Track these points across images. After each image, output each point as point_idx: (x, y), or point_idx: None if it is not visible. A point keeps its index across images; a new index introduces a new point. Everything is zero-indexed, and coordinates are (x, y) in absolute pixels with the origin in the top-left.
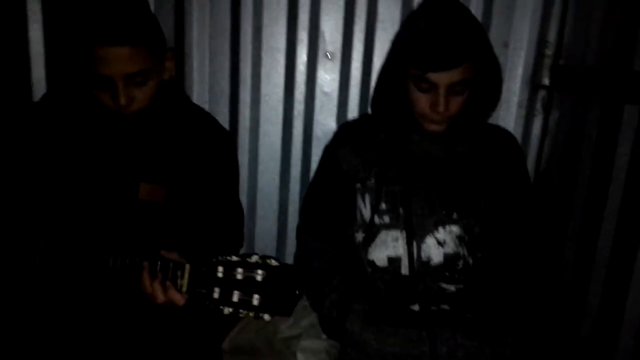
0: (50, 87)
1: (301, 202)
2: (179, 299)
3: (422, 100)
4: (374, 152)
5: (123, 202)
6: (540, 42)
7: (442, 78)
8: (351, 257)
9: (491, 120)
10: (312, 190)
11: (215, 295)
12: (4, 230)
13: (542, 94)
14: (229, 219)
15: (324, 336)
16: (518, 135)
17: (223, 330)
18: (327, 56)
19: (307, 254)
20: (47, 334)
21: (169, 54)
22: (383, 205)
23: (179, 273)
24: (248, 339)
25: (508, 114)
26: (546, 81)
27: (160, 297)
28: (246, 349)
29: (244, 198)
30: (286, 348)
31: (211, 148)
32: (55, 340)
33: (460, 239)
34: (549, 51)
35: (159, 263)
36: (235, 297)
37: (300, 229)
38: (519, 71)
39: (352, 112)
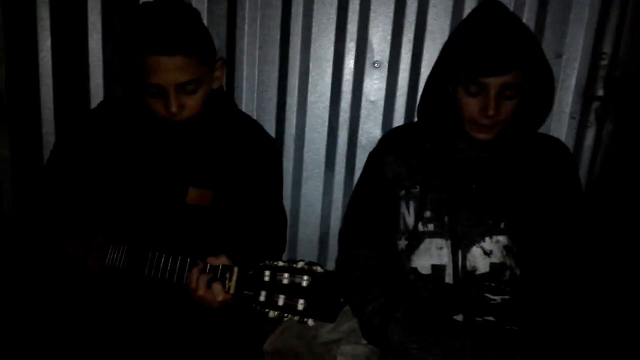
0: (107, 95)
1: (344, 209)
2: (223, 297)
3: (472, 105)
4: (420, 160)
5: (172, 207)
6: (595, 53)
7: (493, 80)
8: (393, 265)
9: (542, 131)
10: (356, 196)
11: (262, 298)
12: (60, 229)
13: (595, 105)
14: (272, 223)
15: (364, 341)
16: (570, 147)
17: (265, 332)
18: (374, 65)
19: (350, 260)
20: (93, 333)
21: (219, 64)
22: (428, 213)
23: (227, 275)
24: (288, 342)
25: (560, 125)
26: (600, 92)
27: (205, 295)
28: (286, 351)
29: (288, 203)
30: (326, 352)
31: (257, 154)
32: (101, 338)
33: (507, 249)
34: (604, 62)
35: (209, 265)
36: (281, 301)
37: (343, 235)
38: (572, 82)
39: (398, 121)
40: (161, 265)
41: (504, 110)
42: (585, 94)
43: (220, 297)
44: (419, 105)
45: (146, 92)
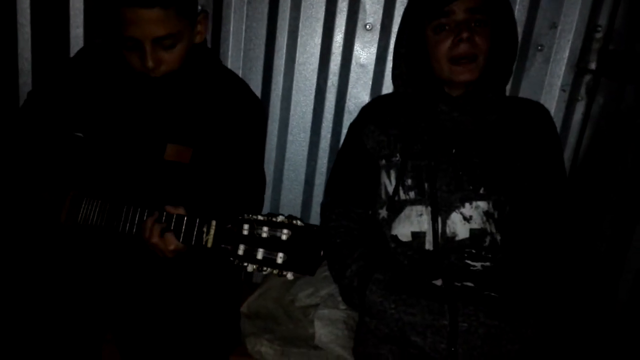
0: (87, 44)
1: (328, 174)
2: (175, 245)
3: (443, 40)
4: (400, 128)
5: (149, 162)
6: (590, 25)
7: (457, 5)
8: (374, 234)
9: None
10: (337, 168)
11: (240, 252)
12: (34, 181)
13: (587, 78)
14: (251, 184)
15: (342, 307)
16: (559, 120)
17: (242, 295)
18: (366, 27)
19: (331, 231)
20: (67, 286)
21: (200, 17)
22: (408, 181)
23: (204, 229)
24: (266, 305)
25: (550, 98)
26: (593, 66)
27: (157, 243)
28: (264, 314)
29: (271, 167)
30: (304, 316)
31: (240, 113)
32: (74, 292)
33: (488, 215)
34: (599, 35)
35: (185, 218)
36: (260, 255)
37: (324, 206)
38: (565, 54)
39: (388, 86)
40: (136, 219)
41: (478, 39)
42: (578, 67)
43: (172, 246)
44: (392, 66)
45: (123, 45)
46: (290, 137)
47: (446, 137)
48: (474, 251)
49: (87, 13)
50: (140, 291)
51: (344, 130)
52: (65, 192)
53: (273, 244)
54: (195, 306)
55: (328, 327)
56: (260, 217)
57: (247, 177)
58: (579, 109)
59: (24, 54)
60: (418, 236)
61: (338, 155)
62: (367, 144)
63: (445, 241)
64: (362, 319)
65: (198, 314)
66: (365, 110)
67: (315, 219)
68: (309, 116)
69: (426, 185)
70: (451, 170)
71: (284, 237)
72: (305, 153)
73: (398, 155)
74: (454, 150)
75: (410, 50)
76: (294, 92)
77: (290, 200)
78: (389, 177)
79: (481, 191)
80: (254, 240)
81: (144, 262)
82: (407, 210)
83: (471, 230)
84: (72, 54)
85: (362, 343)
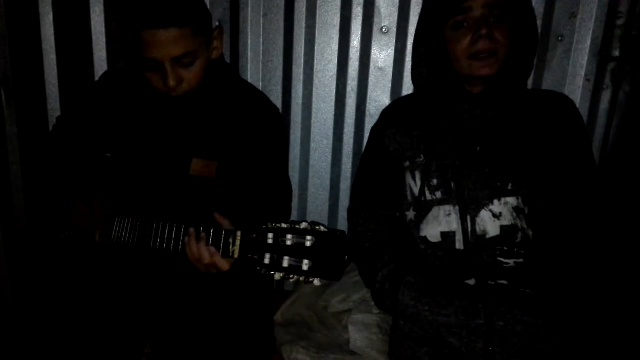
0: (111, 67)
1: (353, 179)
2: (224, 264)
3: (462, 36)
4: (422, 129)
5: (175, 178)
6: (611, 12)
7: (475, 2)
8: (403, 237)
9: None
10: (361, 172)
11: (266, 261)
12: (64, 202)
13: (611, 66)
14: (278, 194)
15: (375, 311)
16: (585, 110)
17: (275, 304)
18: (382, 31)
19: (359, 235)
20: (105, 303)
21: (216, 33)
22: (434, 181)
23: (230, 240)
24: (299, 313)
25: (574, 88)
26: (616, 53)
27: (206, 259)
28: (298, 321)
29: (296, 175)
30: (337, 322)
31: (261, 124)
32: (112, 309)
33: (518, 210)
34: (621, 21)
35: (212, 230)
36: (286, 263)
37: (351, 211)
38: (587, 43)
39: (407, 88)
40: (166, 235)
41: (497, 35)
42: (601, 55)
43: (220, 263)
44: (412, 67)
45: (143, 66)
46: (313, 145)
47: (470, 135)
48: (505, 248)
49: (108, 36)
50: (175, 304)
51: (367, 135)
52: (97, 211)
53: (298, 251)
54: (229, 317)
55: (362, 332)
56: (284, 225)
57: (272, 187)
58: (605, 97)
59: (50, 79)
60: (448, 236)
61: (362, 160)
62: (390, 147)
63: (475, 240)
64: (396, 322)
65: (233, 324)
66: (386, 112)
67: (342, 224)
68: (330, 122)
69: (452, 184)
70: (477, 168)
71: (308, 244)
72: (329, 159)
73: (422, 156)
74: (478, 148)
75: (430, 49)
76: (314, 99)
77: (317, 206)
78: (414, 178)
79: (509, 187)
80: (279, 249)
81: (177, 277)
82: (435, 211)
83: (502, 227)
84: (96, 77)
85: (398, 346)
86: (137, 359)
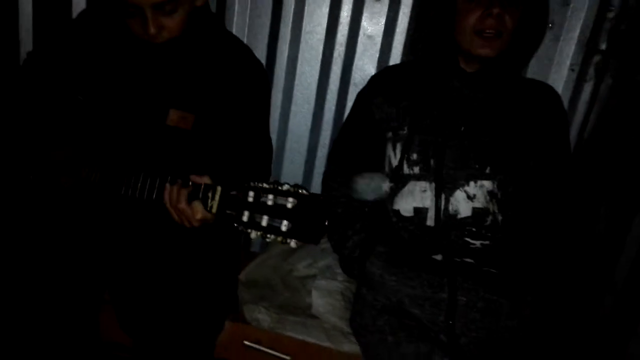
0: (89, 6)
1: (330, 147)
2: (203, 214)
3: (475, 9)
4: (410, 100)
5: (151, 127)
6: (603, 4)
7: None
8: (375, 207)
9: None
10: (342, 137)
11: (245, 218)
12: (33, 142)
13: (596, 59)
14: (257, 153)
15: (339, 278)
16: (566, 99)
17: (240, 263)
18: None
19: (332, 200)
20: (68, 247)
21: None
22: (414, 156)
23: (209, 194)
24: (263, 274)
25: (558, 77)
26: (603, 46)
27: (185, 210)
28: (262, 283)
29: (274, 137)
30: (302, 286)
31: (244, 78)
32: (74, 252)
33: (491, 194)
34: (611, 14)
35: (191, 183)
36: (264, 222)
37: (326, 175)
38: (576, 33)
39: (395, 59)
40: (139, 184)
41: (507, 18)
42: (588, 46)
43: (199, 215)
44: (413, 34)
45: (124, 12)
46: (294, 108)
47: (456, 114)
48: (474, 229)
49: None
50: (139, 254)
51: (349, 103)
52: (66, 155)
53: (278, 212)
54: (193, 271)
55: (325, 297)
56: (265, 185)
57: (251, 146)
58: (587, 89)
59: (25, 10)
60: (420, 212)
61: (344, 124)
62: (376, 115)
63: (447, 218)
64: (360, 290)
65: (196, 278)
66: (375, 79)
67: (316, 191)
68: (313, 87)
69: (432, 161)
70: (458, 148)
71: (289, 205)
72: (309, 125)
73: (406, 128)
74: (462, 128)
75: (438, 14)
76: (299, 62)
77: (292, 171)
78: (394, 150)
79: (487, 170)
80: (258, 208)
81: (144, 226)
82: (411, 185)
83: (474, 209)
84: (74, 13)
85: (359, 314)
86: (96, 305)
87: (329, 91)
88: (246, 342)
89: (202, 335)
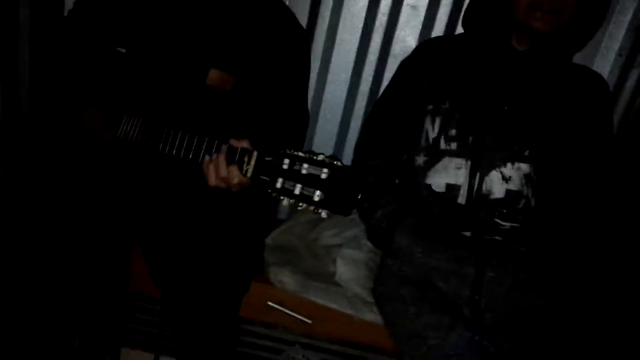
0: None
1: (365, 117)
2: (239, 179)
3: None
4: (455, 74)
5: (191, 86)
6: None
7: None
8: (407, 180)
9: (585, 64)
10: (380, 106)
11: (278, 185)
12: (74, 93)
13: None
14: (294, 120)
15: (365, 249)
16: (610, 85)
17: (268, 228)
18: None
19: (364, 169)
20: (102, 198)
21: None
22: (453, 131)
23: (245, 158)
24: (290, 240)
25: (605, 61)
26: None
27: (223, 175)
28: (288, 248)
29: (308, 105)
30: (326, 254)
31: (287, 43)
32: (108, 204)
33: (527, 178)
34: None
35: (228, 145)
36: (297, 190)
37: (360, 144)
38: (628, 17)
39: (437, 32)
40: (177, 142)
41: None
42: (638, 32)
43: (235, 179)
44: (469, 5)
45: None
46: (330, 77)
47: (501, 92)
48: (505, 211)
49: None
50: (173, 209)
51: (387, 75)
52: (105, 107)
53: (311, 181)
54: (224, 231)
55: (349, 266)
56: (301, 154)
57: (289, 112)
58: (634, 75)
59: None
60: (452, 189)
61: (383, 93)
62: (418, 85)
63: (479, 198)
64: (385, 260)
65: (226, 238)
66: (421, 49)
67: (346, 163)
68: (352, 56)
69: (471, 138)
70: (499, 127)
71: (323, 176)
72: (344, 94)
73: (447, 102)
74: (506, 107)
75: None
76: (339, 29)
77: (324, 140)
78: (433, 123)
79: (526, 153)
80: (293, 175)
81: (179, 183)
82: (446, 161)
83: (507, 191)
84: None
85: (382, 283)
86: (127, 256)
87: (367, 61)
88: (270, 303)
89: (229, 292)
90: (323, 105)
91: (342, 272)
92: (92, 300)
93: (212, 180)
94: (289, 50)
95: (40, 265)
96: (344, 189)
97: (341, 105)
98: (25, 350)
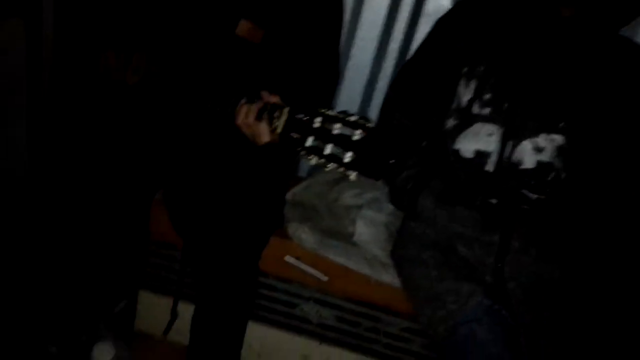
0: None
1: (392, 78)
2: (269, 135)
3: None
4: (494, 36)
5: (220, 35)
6: None
7: None
8: (435, 143)
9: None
10: (412, 63)
11: (308, 143)
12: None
13: None
14: (325, 77)
15: (385, 211)
16: None
17: (289, 184)
18: None
19: (391, 127)
20: (126, 143)
21: None
22: (487, 96)
23: (276, 114)
24: (310, 198)
25: None
26: None
27: (252, 127)
28: (307, 205)
29: None
30: (346, 214)
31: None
32: (132, 149)
33: (560, 150)
34: None
35: (258, 100)
36: (328, 150)
37: (387, 103)
38: None
39: None
40: (204, 91)
41: None
42: None
43: (264, 135)
44: None
45: None
46: (359, 33)
47: (541, 59)
48: (533, 182)
49: None
50: (196, 158)
51: (417, 35)
52: (131, 52)
53: (343, 142)
54: (246, 183)
55: (369, 227)
56: (333, 113)
57: (319, 70)
58: None
59: None
60: (481, 155)
61: (417, 51)
62: (454, 46)
63: (508, 166)
64: (407, 223)
65: (248, 191)
66: (460, 8)
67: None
68: (383, 13)
69: (505, 104)
70: (536, 96)
71: (355, 137)
72: (373, 53)
73: (484, 66)
74: (544, 75)
75: None
76: None
77: (348, 101)
78: (467, 86)
79: (561, 124)
80: (324, 135)
81: (205, 132)
82: (477, 127)
83: (538, 162)
84: None
85: (402, 246)
86: (147, 204)
87: (398, 19)
88: (287, 258)
89: (249, 245)
90: (350, 62)
91: (361, 233)
92: (113, 245)
93: (246, 130)
94: (321, 6)
95: (62, 209)
96: (377, 152)
97: (369, 63)
98: (45, 290)
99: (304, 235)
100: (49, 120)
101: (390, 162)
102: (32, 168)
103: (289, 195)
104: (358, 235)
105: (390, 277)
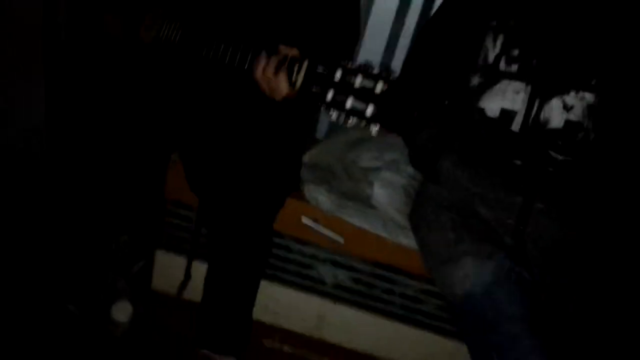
0: None
1: (413, 38)
2: (287, 90)
3: None
4: None
5: None
6: None
7: None
8: (458, 102)
9: None
10: (438, 16)
11: (329, 97)
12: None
13: None
14: (345, 30)
15: (404, 174)
16: None
17: (306, 146)
18: None
19: (414, 82)
20: (143, 102)
21: None
22: (515, 52)
23: (295, 68)
24: (327, 160)
25: None
26: None
27: (270, 81)
28: (324, 167)
29: None
30: (363, 176)
31: None
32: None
33: (591, 109)
34: None
35: (276, 53)
36: (349, 104)
37: (410, 56)
38: None
39: None
40: (222, 47)
41: None
42: None
43: (283, 90)
44: None
45: None
46: None
47: (576, 14)
48: (560, 142)
49: None
50: (214, 116)
51: None
52: (144, 11)
53: (365, 95)
54: (263, 143)
55: (387, 189)
56: (355, 65)
57: (340, 23)
58: None
59: None
60: (508, 114)
61: (443, 3)
62: None
63: (535, 126)
64: (425, 185)
65: (264, 151)
66: None
67: None
68: None
69: (535, 61)
70: (567, 51)
71: (377, 90)
72: (394, 12)
73: (514, 20)
74: (578, 29)
75: None
76: None
77: (369, 58)
78: (494, 41)
79: (593, 82)
80: (345, 88)
81: (221, 91)
82: (503, 84)
83: (567, 121)
84: None
85: (421, 208)
86: (164, 162)
87: None
88: (303, 219)
89: (265, 205)
90: (371, 19)
91: (378, 194)
92: (130, 204)
93: (264, 87)
94: None
95: (80, 170)
96: (400, 105)
97: (390, 20)
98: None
99: (320, 197)
100: (66, 80)
101: (414, 115)
102: (50, 127)
103: (305, 157)
104: (375, 197)
105: (407, 240)
